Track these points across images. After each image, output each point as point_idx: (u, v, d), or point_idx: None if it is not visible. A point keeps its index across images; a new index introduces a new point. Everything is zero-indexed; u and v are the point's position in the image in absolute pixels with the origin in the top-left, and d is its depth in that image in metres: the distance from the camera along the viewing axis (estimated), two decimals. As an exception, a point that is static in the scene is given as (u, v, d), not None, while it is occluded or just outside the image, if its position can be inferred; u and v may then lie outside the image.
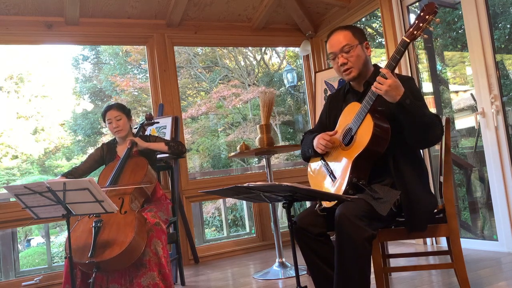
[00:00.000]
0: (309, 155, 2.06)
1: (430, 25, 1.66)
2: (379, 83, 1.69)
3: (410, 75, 3.64)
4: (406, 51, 3.65)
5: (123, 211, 2.42)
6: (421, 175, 1.86)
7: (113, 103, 2.92)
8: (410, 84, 1.84)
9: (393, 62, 1.72)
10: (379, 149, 1.78)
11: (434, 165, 3.60)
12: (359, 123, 1.81)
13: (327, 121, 2.10)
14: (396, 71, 3.65)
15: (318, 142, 1.93)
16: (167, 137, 3.81)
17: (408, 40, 1.69)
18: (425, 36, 1.69)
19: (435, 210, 1.90)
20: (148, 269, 2.34)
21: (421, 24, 1.66)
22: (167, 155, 3.05)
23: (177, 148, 2.87)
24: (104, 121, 2.87)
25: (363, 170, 1.81)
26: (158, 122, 3.66)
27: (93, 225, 2.28)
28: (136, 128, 3.02)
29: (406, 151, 1.83)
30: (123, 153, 2.77)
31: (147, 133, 3.20)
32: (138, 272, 2.35)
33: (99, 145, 3.02)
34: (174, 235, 3.08)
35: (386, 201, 1.73)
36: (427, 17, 1.65)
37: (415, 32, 1.68)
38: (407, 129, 1.74)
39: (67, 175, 2.80)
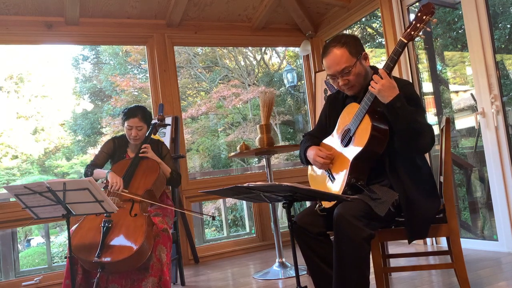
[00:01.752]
0: (306, 163, 2.08)
1: (428, 26, 1.66)
2: (375, 81, 1.69)
3: (410, 75, 3.64)
4: (406, 51, 3.69)
5: (133, 214, 2.39)
6: (421, 178, 1.83)
7: (137, 107, 2.80)
8: (410, 90, 1.82)
9: (391, 63, 1.71)
10: (378, 150, 1.78)
11: (434, 165, 3.60)
12: (357, 123, 1.80)
13: (327, 122, 2.10)
14: (396, 72, 3.68)
15: (315, 160, 1.93)
16: (167, 137, 3.81)
17: (406, 41, 1.68)
18: (422, 36, 1.68)
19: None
20: (150, 274, 2.33)
21: (418, 25, 1.66)
22: None
23: (177, 180, 2.85)
24: (123, 121, 2.78)
25: (362, 170, 1.81)
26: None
27: (102, 224, 2.25)
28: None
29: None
30: (133, 155, 2.75)
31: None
32: (140, 275, 2.33)
33: (108, 139, 2.92)
34: (174, 235, 3.07)
35: (384, 202, 1.73)
36: (424, 17, 1.64)
37: (412, 33, 1.67)
38: (396, 133, 1.73)
39: (93, 167, 2.74)
